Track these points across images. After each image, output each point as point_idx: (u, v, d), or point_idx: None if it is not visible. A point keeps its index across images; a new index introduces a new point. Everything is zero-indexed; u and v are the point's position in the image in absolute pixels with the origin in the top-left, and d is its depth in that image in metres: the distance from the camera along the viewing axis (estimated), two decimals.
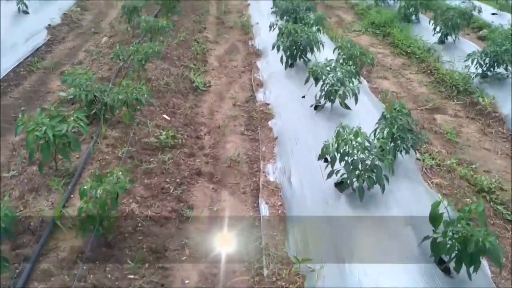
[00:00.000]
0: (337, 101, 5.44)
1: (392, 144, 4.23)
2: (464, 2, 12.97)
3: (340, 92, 5.12)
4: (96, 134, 4.58)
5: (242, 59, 8.30)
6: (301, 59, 6.99)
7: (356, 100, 5.26)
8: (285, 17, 8.19)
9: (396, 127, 4.15)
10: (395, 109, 4.37)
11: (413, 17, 10.30)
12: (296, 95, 6.27)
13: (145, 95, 4.51)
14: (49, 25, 8.67)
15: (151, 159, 4.55)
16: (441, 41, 8.83)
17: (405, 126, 4.15)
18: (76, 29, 9.06)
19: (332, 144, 3.79)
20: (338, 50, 6.32)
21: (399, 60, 8.77)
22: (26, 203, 3.68)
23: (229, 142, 5.43)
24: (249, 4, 11.99)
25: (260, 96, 6.71)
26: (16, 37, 7.55)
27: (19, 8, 8.42)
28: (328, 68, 5.39)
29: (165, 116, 5.50)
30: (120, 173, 3.11)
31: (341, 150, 3.75)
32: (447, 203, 3.13)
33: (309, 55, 6.99)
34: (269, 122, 5.87)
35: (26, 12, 8.54)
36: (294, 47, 6.84)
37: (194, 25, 9.78)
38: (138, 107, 4.62)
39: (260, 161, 4.97)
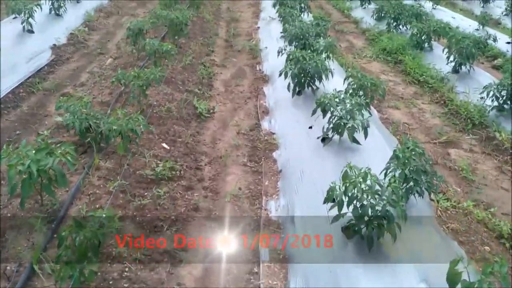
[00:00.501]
0: (346, 133, 5.14)
1: (404, 185, 3.92)
2: (478, 29, 12.76)
3: (349, 125, 4.83)
4: (88, 165, 4.31)
5: (249, 84, 8.07)
6: (309, 87, 6.74)
7: (366, 134, 4.96)
8: (294, 43, 7.97)
9: (409, 168, 3.83)
10: (408, 147, 4.06)
11: (426, 44, 10.03)
12: (303, 125, 5.99)
13: (141, 126, 4.24)
14: (54, 45, 8.55)
15: (145, 193, 4.26)
16: (455, 71, 8.54)
17: (419, 167, 3.84)
18: (81, 49, 8.94)
19: (339, 187, 3.48)
20: (348, 79, 6.05)
21: (411, 89, 8.48)
22: (5, 242, 3.40)
23: (230, 174, 5.14)
24: (258, 28, 11.86)
25: (265, 124, 6.45)
26: (19, 57, 7.40)
27: (23, 27, 8.31)
28: (336, 100, 5.11)
29: (164, 145, 5.24)
30: (104, 215, 2.82)
31: (349, 194, 3.43)
32: (467, 262, 2.78)
33: (317, 83, 6.74)
34: (274, 153, 5.58)
35: (31, 31, 8.43)
36: (302, 75, 6.59)
37: (202, 48, 9.61)
38: (133, 138, 4.35)
39: (262, 197, 4.66)
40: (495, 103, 6.86)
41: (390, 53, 10.15)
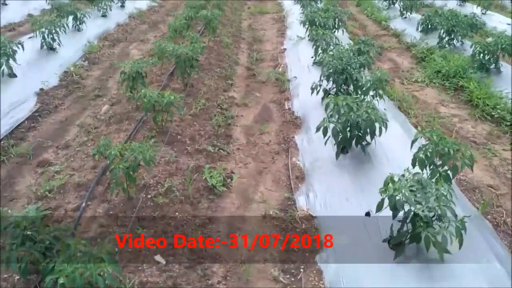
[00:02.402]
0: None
1: None
2: None
3: (439, 236, 3.09)
4: None
5: (277, 131, 6.41)
6: (358, 145, 5.02)
7: (461, 243, 3.22)
8: (332, 77, 6.27)
9: None
10: None
11: (493, 66, 8.14)
12: (355, 206, 4.31)
13: (106, 275, 2.59)
14: (41, 89, 7.13)
15: None
16: None
17: None
18: (75, 92, 7.49)
19: None
20: (415, 141, 4.33)
21: (483, 127, 6.64)
22: None
23: None
24: (285, 50, 10.21)
25: (301, 200, 4.76)
26: None
27: (2, 71, 6.85)
28: (411, 188, 3.38)
29: (158, 257, 3.63)
30: None
31: None
32: None
33: (369, 137, 5.02)
34: (317, 258, 3.89)
35: (12, 75, 7.01)
36: (349, 129, 4.89)
37: (219, 82, 8.02)
38: None
39: None
40: None
41: (447, 77, 8.32)
